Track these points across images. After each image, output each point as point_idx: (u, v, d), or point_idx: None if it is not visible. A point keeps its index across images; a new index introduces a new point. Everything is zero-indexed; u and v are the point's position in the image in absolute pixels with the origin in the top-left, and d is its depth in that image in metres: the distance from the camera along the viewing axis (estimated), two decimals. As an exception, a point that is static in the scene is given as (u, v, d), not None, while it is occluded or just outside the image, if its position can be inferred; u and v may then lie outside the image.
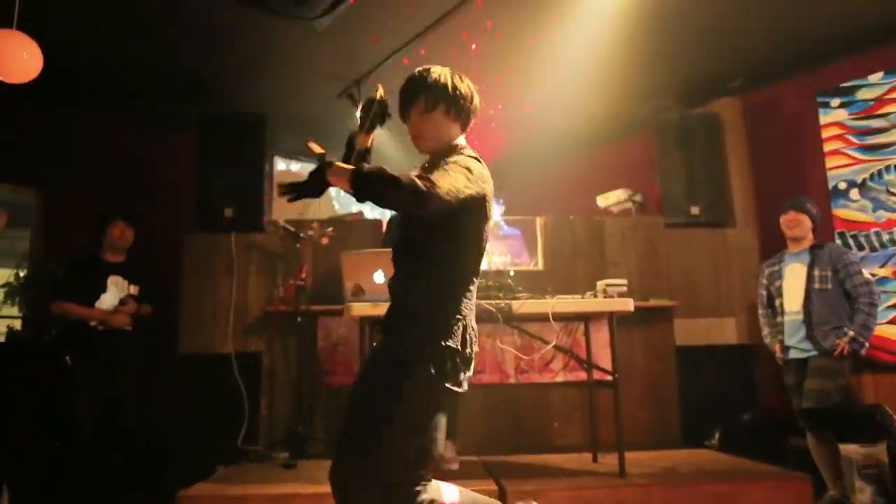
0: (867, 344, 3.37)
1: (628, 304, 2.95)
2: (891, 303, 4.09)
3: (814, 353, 3.38)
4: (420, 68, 1.91)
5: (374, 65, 4.51)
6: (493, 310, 2.70)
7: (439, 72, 1.88)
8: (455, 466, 3.12)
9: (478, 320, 3.01)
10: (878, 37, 4.26)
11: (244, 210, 4.33)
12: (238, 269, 4.19)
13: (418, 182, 1.55)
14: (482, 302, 2.71)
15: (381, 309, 2.71)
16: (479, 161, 1.83)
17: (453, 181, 1.64)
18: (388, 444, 1.66)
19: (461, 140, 1.91)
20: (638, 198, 4.94)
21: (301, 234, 4.00)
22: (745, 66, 4.77)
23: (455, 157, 1.77)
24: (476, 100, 1.92)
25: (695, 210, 4.63)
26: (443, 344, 1.69)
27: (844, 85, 4.45)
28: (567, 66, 4.51)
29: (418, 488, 1.72)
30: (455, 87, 1.86)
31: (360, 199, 1.60)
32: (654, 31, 4.15)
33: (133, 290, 3.71)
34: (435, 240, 1.74)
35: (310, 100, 5.09)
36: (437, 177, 1.61)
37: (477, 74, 4.85)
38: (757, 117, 4.94)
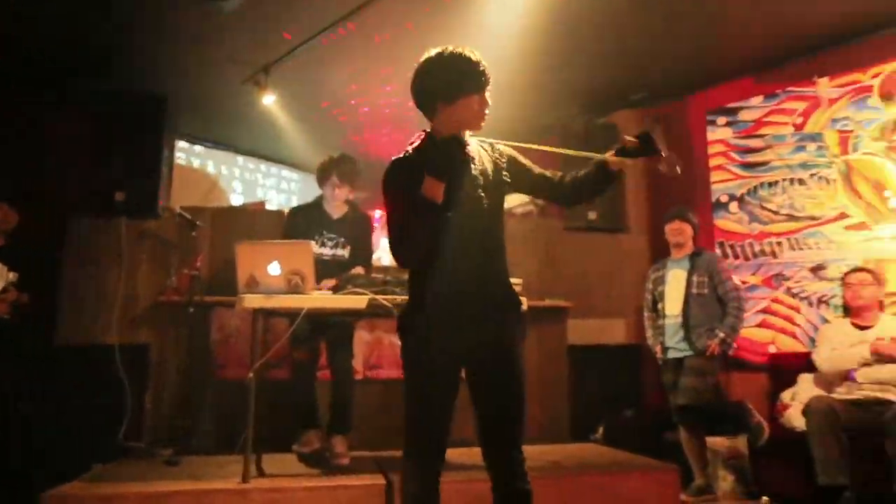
0: (735, 345, 3.67)
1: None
2: (759, 308, 4.46)
3: (689, 353, 3.64)
4: (476, 53, 1.84)
5: (283, 52, 4.41)
6: (389, 305, 2.72)
7: None
8: (346, 461, 3.12)
9: (374, 316, 3.04)
10: (759, 63, 4.62)
11: (137, 195, 4.11)
12: (128, 257, 3.98)
13: None
14: (378, 297, 2.73)
15: (275, 301, 2.69)
16: None
17: None
18: None
19: None
20: (540, 201, 5.11)
21: (198, 223, 3.86)
22: (645, 82, 5.04)
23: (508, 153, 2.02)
24: None
25: (592, 215, 4.84)
26: None
27: (730, 105, 4.79)
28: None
29: None
30: None
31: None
32: (561, 42, 4.31)
33: (12, 276, 3.45)
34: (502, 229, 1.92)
35: (215, 83, 4.90)
36: None
37: (385, 67, 4.87)
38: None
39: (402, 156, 1.86)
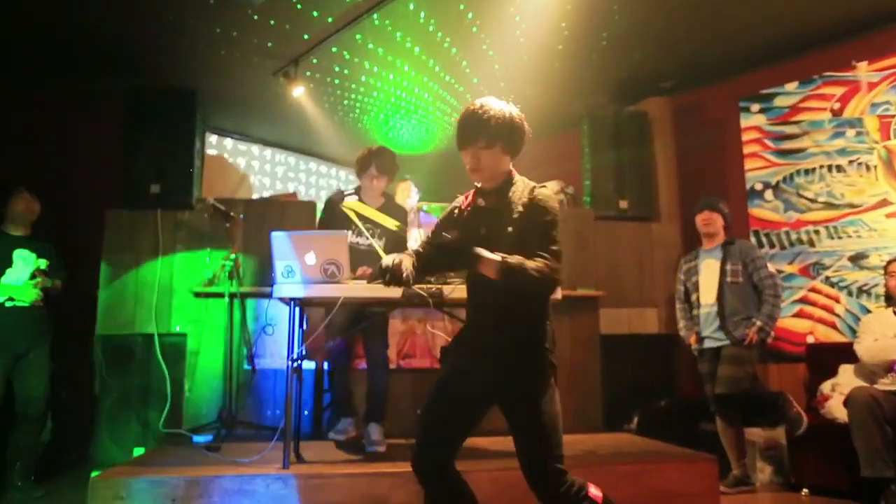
0: (772, 333, 3.61)
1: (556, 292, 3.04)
2: (796, 297, 4.38)
3: (726, 342, 3.59)
4: (479, 104, 1.94)
5: (311, 45, 4.43)
6: (425, 294, 2.72)
7: (498, 109, 1.94)
8: (382, 449, 3.14)
9: (409, 305, 3.05)
10: (794, 49, 4.53)
11: (171, 187, 4.18)
12: (164, 248, 4.05)
13: (546, 270, 1.82)
14: (414, 287, 2.73)
15: (311, 290, 2.71)
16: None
17: (558, 247, 1.90)
18: None
19: (510, 166, 2.02)
20: (570, 190, 5.08)
21: (231, 214, 3.90)
22: (675, 69, 4.97)
23: (543, 203, 1.93)
24: (528, 132, 2.01)
25: (623, 204, 4.80)
26: None
27: (764, 92, 4.70)
28: (505, 60, 4.58)
29: None
30: (513, 125, 1.95)
31: (506, 288, 1.84)
32: (591, 30, 4.27)
33: (41, 263, 3.53)
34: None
35: (244, 77, 4.95)
36: (550, 253, 1.86)
37: (413, 59, 4.86)
38: (684, 118, 5.16)
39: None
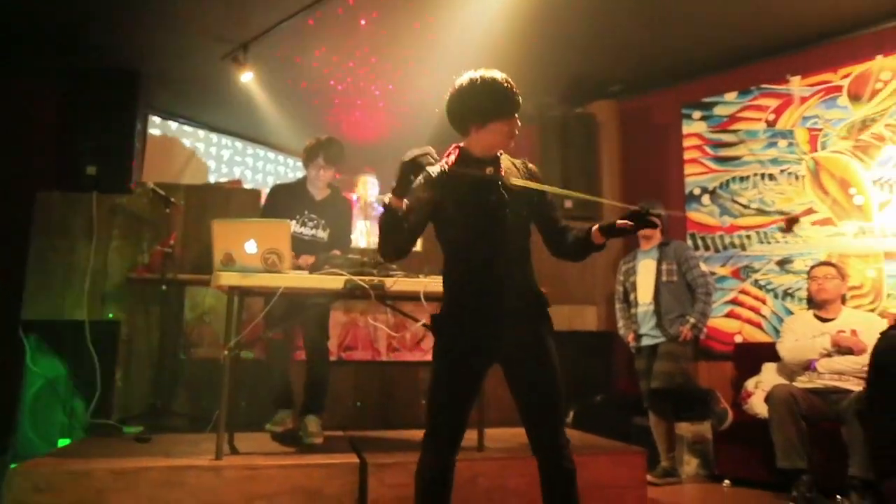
0: (705, 329, 3.78)
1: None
2: (727, 298, 4.57)
3: (662, 339, 3.73)
4: (501, 76, 1.96)
5: (262, 29, 4.35)
6: (367, 286, 2.73)
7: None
8: (320, 441, 3.13)
9: (351, 297, 3.04)
10: (735, 60, 4.71)
11: (110, 170, 4.04)
12: (99, 232, 3.91)
13: None
14: (355, 278, 2.73)
15: (251, 280, 2.67)
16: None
17: None
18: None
19: None
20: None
21: (172, 199, 3.80)
22: (623, 73, 5.09)
23: (540, 176, 2.11)
24: None
25: (568, 204, 4.89)
26: None
27: (705, 100, 4.88)
28: (458, 56, 4.59)
29: None
30: None
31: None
32: (543, 30, 4.33)
33: None
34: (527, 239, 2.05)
35: (191, 59, 4.81)
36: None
37: (366, 50, 4.82)
38: (630, 122, 5.30)
39: (435, 167, 2.02)
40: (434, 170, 2.02)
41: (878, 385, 2.49)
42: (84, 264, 3.84)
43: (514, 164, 2.08)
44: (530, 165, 2.11)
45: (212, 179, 6.10)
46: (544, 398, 1.96)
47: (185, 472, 2.52)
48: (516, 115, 1.99)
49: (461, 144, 2.05)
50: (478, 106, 1.95)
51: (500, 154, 2.06)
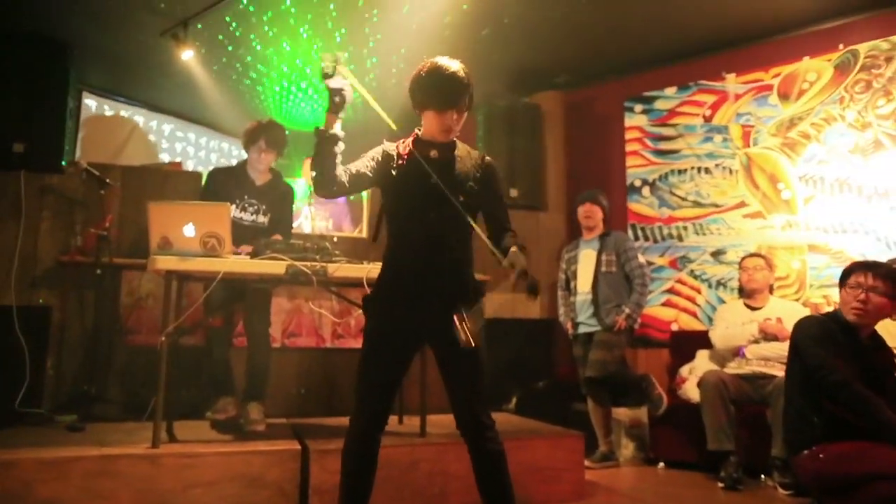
0: (639, 320, 3.90)
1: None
2: (664, 288, 4.74)
3: (598, 328, 3.83)
4: (457, 67, 1.97)
5: (204, 6, 4.22)
6: (309, 272, 2.70)
7: (466, 71, 1.99)
8: (262, 428, 3.09)
9: (293, 282, 3.01)
10: (675, 56, 4.86)
11: (39, 147, 3.84)
12: (27, 213, 3.72)
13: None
14: (297, 263, 2.70)
15: (190, 264, 2.61)
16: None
17: None
18: None
19: None
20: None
21: (107, 180, 3.65)
22: (569, 65, 5.18)
23: (497, 174, 2.14)
24: None
25: (513, 192, 4.96)
26: None
27: (647, 94, 5.01)
28: (403, 42, 4.57)
29: None
30: (472, 86, 2.01)
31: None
32: (491, 20, 4.36)
33: None
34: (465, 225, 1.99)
35: (129, 34, 4.63)
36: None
37: (309, 30, 4.72)
38: (574, 113, 5.40)
39: (391, 144, 2.09)
40: (390, 146, 2.09)
41: (792, 364, 2.66)
42: (11, 246, 3.66)
43: (469, 153, 2.10)
44: (487, 159, 2.11)
45: (165, 159, 5.89)
46: (464, 379, 1.99)
47: (119, 461, 2.45)
48: (453, 110, 1.98)
49: (418, 131, 2.10)
50: (414, 93, 2.02)
51: (456, 141, 2.09)
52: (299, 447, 2.72)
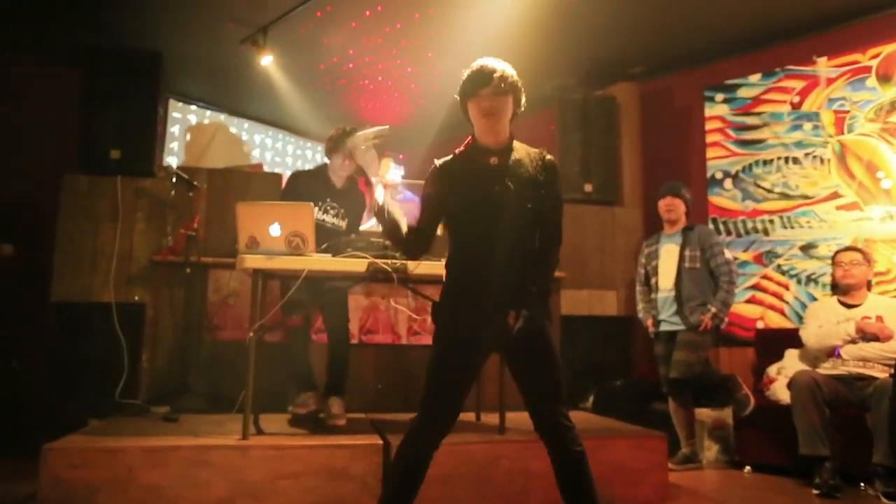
0: (726, 319, 3.74)
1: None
2: (749, 284, 4.54)
3: (682, 327, 3.70)
4: (504, 67, 1.99)
5: (281, 13, 4.35)
6: (389, 269, 2.74)
7: (511, 69, 2.01)
8: (342, 423, 3.16)
9: (373, 280, 3.07)
10: (759, 41, 4.63)
11: (133, 153, 4.07)
12: (124, 215, 3.96)
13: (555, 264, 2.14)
14: (378, 261, 2.74)
15: (276, 262, 2.70)
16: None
17: None
18: None
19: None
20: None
21: (195, 183, 3.83)
22: (644, 55, 5.03)
23: (556, 168, 2.09)
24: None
25: (588, 187, 4.87)
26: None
27: (728, 82, 4.80)
28: (476, 41, 4.55)
29: None
30: (518, 84, 2.02)
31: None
32: (564, 12, 4.28)
33: None
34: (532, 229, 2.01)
35: (212, 43, 4.84)
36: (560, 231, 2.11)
37: (387, 33, 4.81)
38: (650, 104, 5.24)
39: (442, 158, 2.08)
40: (439, 161, 2.06)
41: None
42: (110, 247, 3.90)
43: (528, 153, 2.05)
44: (547, 157, 2.05)
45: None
46: (541, 378, 1.97)
47: (212, 452, 2.57)
48: (481, 92, 1.95)
49: (473, 134, 2.06)
50: (460, 92, 2.02)
51: (513, 144, 2.04)
52: (381, 442, 2.77)
